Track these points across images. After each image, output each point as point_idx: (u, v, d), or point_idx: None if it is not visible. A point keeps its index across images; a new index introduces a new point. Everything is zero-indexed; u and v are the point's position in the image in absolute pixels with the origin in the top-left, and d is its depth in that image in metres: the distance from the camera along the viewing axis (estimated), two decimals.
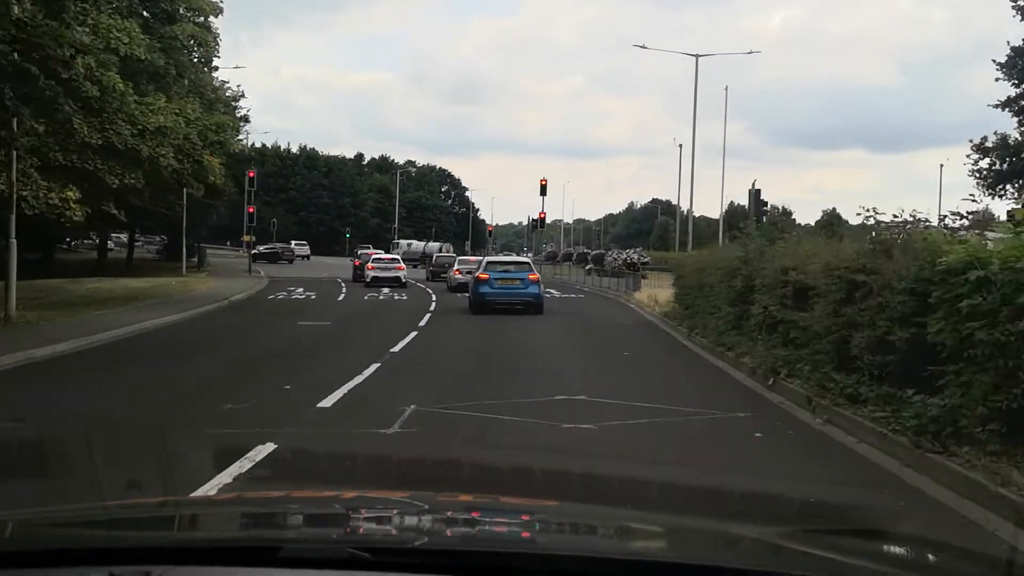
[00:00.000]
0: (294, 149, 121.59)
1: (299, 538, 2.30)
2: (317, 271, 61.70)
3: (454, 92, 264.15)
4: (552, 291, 43.03)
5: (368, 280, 44.68)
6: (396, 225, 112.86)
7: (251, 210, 54.21)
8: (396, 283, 44.34)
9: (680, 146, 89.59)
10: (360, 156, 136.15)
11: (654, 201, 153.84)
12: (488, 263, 30.43)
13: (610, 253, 41.41)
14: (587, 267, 49.73)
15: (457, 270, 42.46)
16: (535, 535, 2.53)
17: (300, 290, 40.85)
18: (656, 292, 31.24)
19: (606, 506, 4.63)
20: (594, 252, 46.20)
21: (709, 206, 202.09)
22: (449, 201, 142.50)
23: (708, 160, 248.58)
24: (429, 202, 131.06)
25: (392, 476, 7.83)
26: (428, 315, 27.54)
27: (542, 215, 60.36)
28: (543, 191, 59.24)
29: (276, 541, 2.11)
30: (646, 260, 36.32)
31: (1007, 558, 2.51)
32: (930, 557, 2.50)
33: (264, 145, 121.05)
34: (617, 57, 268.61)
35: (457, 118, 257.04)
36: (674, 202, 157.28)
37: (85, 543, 2.13)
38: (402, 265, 45.42)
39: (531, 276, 28.70)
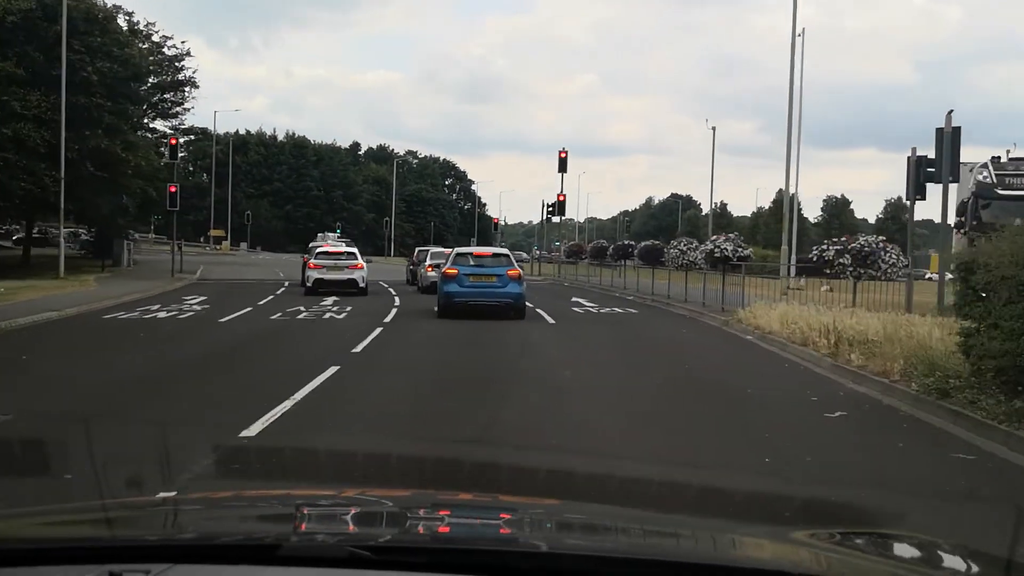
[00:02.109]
0: (280, 136, 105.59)
1: (299, 536, 2.12)
2: (266, 271, 46.00)
3: (466, 91, 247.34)
4: (582, 301, 27.33)
5: (310, 284, 28.93)
6: (393, 219, 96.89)
7: (172, 189, 38.38)
8: (352, 288, 28.63)
9: (713, 129, 73.70)
10: (356, 145, 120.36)
11: (673, 196, 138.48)
12: (458, 255, 22.91)
13: (676, 243, 25.27)
14: (605, 262, 34.00)
15: (429, 266, 29.51)
16: (537, 533, 2.31)
17: (197, 300, 25.51)
18: (801, 314, 15.24)
19: (608, 505, 4.13)
20: (643, 244, 30.07)
21: (729, 204, 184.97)
22: (454, 195, 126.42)
23: (720, 160, 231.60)
24: (431, 195, 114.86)
25: None
26: (319, 379, 11.37)
27: (561, 197, 44.44)
28: (562, 166, 43.45)
29: (276, 539, 1.95)
30: (746, 253, 20.19)
31: (1007, 557, 2.19)
32: (931, 555, 2.35)
33: (248, 132, 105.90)
34: (630, 55, 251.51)
35: (468, 117, 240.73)
36: (695, 198, 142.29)
37: (83, 541, 2.03)
38: (360, 263, 29.49)
39: (511, 272, 21.64)
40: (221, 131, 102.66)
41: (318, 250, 30.66)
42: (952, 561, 2.33)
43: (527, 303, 25.62)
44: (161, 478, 5.66)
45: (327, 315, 21.24)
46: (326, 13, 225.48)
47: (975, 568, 2.26)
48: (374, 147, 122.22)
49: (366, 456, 6.93)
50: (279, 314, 21.29)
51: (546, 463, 6.72)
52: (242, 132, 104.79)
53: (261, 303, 25.06)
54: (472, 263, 21.60)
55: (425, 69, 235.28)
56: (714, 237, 21.80)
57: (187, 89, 53.44)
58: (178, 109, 54.06)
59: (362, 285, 29.02)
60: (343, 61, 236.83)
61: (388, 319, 20.37)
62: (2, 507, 4.00)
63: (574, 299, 28.47)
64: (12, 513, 2.63)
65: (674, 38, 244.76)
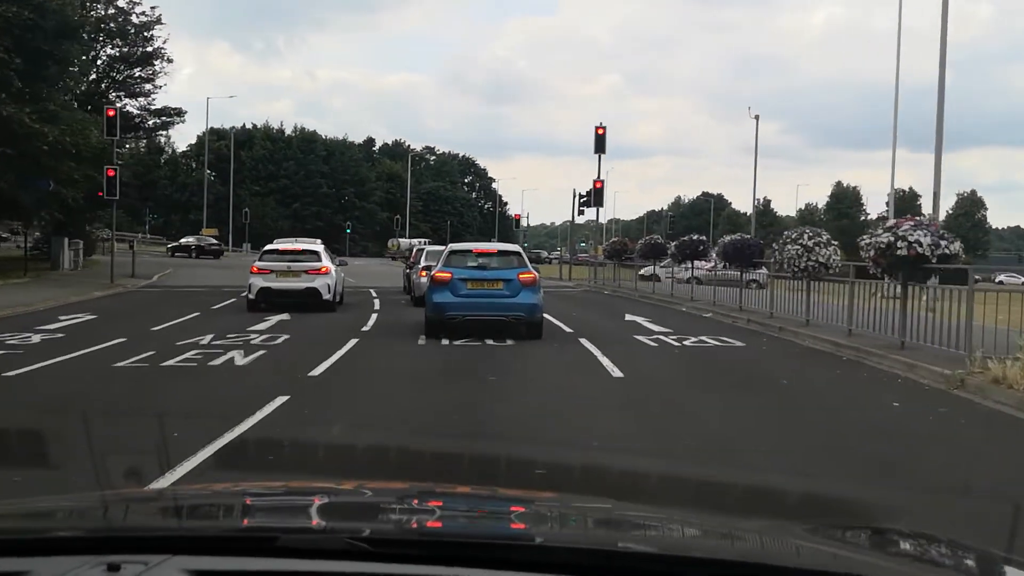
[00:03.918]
0: (288, 131, 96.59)
1: (297, 528, 2.02)
2: (243, 276, 36.84)
3: (489, 92, 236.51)
4: (642, 321, 18.56)
5: (253, 296, 19.81)
6: (407, 217, 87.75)
7: (111, 173, 29.44)
8: (312, 300, 19.58)
9: (756, 117, 63.90)
10: (371, 141, 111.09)
11: (704, 195, 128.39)
12: (453, 254, 15.51)
13: (794, 235, 15.78)
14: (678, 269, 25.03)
15: (423, 271, 20.18)
16: (534, 526, 2.22)
17: (69, 323, 16.84)
18: None
19: (605, 498, 3.57)
20: (729, 239, 20.40)
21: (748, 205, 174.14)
22: (474, 194, 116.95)
23: (742, 162, 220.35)
24: (448, 193, 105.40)
25: None
26: None
27: (598, 184, 35.11)
28: (600, 145, 34.22)
29: (273, 531, 1.85)
30: (955, 250, 10.63)
31: (1003, 554, 2.09)
32: (928, 551, 2.21)
33: (254, 125, 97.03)
34: (653, 56, 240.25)
35: (492, 119, 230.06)
36: (726, 196, 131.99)
37: (81, 531, 1.94)
38: (325, 266, 20.22)
39: (523, 276, 14.79)
40: (227, 125, 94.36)
41: (265, 248, 21.46)
42: (949, 557, 2.13)
43: (567, 328, 16.44)
44: None
45: (226, 356, 12.02)
46: (348, 15, 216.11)
47: (973, 564, 2.09)
48: (389, 143, 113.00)
49: None
50: (145, 354, 12.04)
51: None
52: (248, 126, 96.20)
53: (161, 327, 15.94)
54: (471, 264, 15.04)
55: (448, 71, 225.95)
56: (892, 223, 12.34)
57: (157, 63, 44.47)
58: (149, 87, 45.04)
59: (327, 296, 19.84)
60: (366, 63, 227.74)
61: (325, 366, 11.13)
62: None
63: (629, 317, 19.16)
64: (10, 503, 2.51)
65: (698, 38, 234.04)
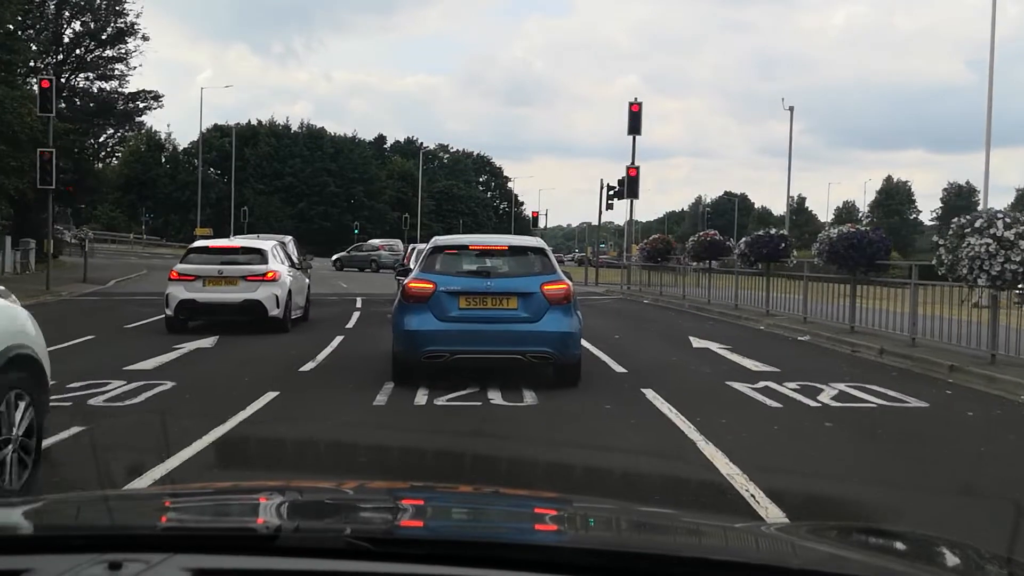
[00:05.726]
0: (295, 127, 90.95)
1: (297, 527, 1.90)
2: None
3: (507, 94, 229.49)
4: (717, 349, 12.89)
5: (172, 311, 14.05)
6: (419, 216, 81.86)
7: (46, 156, 23.81)
8: (255, 316, 13.80)
9: (791, 109, 57.51)
10: (382, 139, 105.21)
11: (727, 194, 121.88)
12: (437, 251, 9.50)
13: (986, 224, 9.62)
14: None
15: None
16: (536, 527, 2.14)
17: None
18: None
19: (607, 498, 3.79)
20: (846, 231, 14.25)
21: (775, 205, 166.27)
22: (489, 193, 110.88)
23: (762, 163, 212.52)
24: (462, 192, 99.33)
25: None
26: None
27: (632, 172, 29.11)
28: (634, 125, 28.29)
29: (274, 529, 1.78)
30: None
31: (1006, 555, 1.95)
32: (928, 551, 2.13)
33: (259, 122, 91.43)
34: (672, 56, 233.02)
35: (509, 120, 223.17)
36: (750, 197, 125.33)
37: (82, 530, 1.86)
38: (273, 270, 14.41)
39: (549, 287, 8.91)
40: (231, 121, 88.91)
41: (192, 246, 15.60)
42: (949, 558, 2.02)
43: (617, 366, 10.58)
44: None
45: None
46: (366, 17, 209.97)
47: (973, 565, 1.99)
48: (401, 140, 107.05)
49: None
50: None
51: None
52: (254, 123, 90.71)
53: None
54: (467, 268, 9.23)
55: (466, 73, 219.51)
56: None
57: (131, 41, 38.84)
58: (120, 67, 39.41)
59: (275, 311, 14.03)
60: (384, 65, 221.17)
61: (137, 486, 5.19)
62: (1, 496, 3.80)
63: (697, 343, 13.23)
64: (11, 502, 2.49)
65: (717, 38, 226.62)
